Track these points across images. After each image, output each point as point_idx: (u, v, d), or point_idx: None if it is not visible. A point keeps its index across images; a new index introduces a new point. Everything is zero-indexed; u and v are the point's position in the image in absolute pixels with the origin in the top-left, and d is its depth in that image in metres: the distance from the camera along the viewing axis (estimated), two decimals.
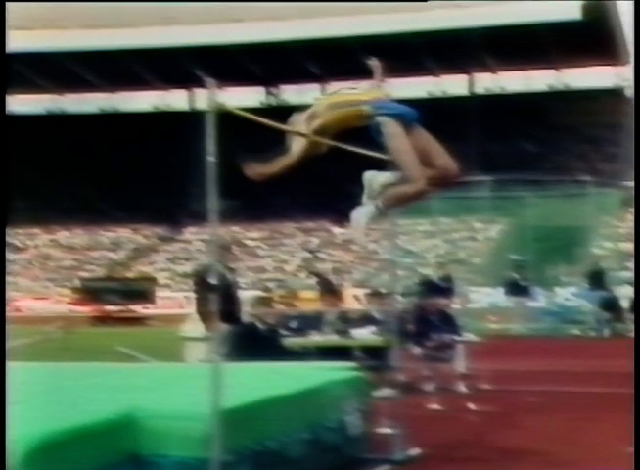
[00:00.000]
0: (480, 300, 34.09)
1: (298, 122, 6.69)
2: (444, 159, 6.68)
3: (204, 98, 5.82)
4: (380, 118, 6.46)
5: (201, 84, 6.06)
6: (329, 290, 19.57)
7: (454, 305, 17.03)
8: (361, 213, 6.58)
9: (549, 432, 9.35)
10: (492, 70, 58.71)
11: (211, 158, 5.71)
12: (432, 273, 25.03)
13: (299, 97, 60.61)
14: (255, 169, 6.50)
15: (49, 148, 56.94)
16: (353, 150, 7.31)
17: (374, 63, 7.02)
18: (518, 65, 56.28)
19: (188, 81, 56.45)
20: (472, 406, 11.09)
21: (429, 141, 6.69)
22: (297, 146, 6.62)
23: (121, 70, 56.91)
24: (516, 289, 26.40)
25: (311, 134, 6.62)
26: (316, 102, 6.83)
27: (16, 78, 58.35)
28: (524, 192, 39.97)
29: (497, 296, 31.32)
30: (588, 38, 49.90)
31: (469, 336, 13.69)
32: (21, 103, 63.19)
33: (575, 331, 23.80)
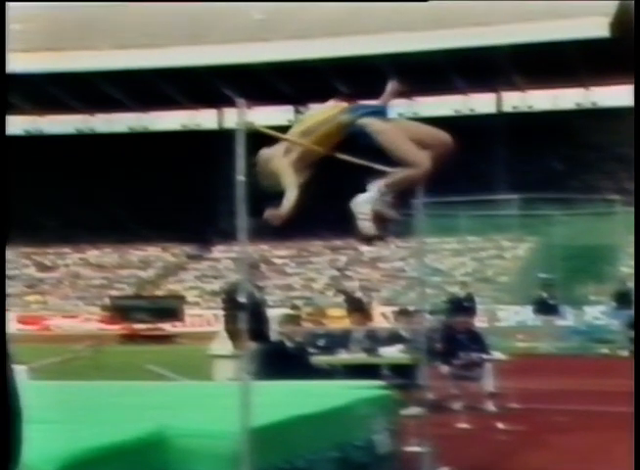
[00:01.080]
0: (509, 318, 33.99)
1: (273, 159, 6.48)
2: (436, 135, 6.57)
3: (233, 117, 5.85)
4: (361, 121, 6.34)
5: (229, 103, 6.10)
6: (358, 308, 19.52)
7: (476, 324, 16.98)
8: (363, 200, 6.46)
9: (578, 451, 9.31)
10: (520, 89, 58.61)
11: (241, 177, 5.74)
12: (458, 291, 25.02)
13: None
14: (275, 214, 6.36)
15: (79, 167, 57.28)
16: (380, 168, 7.30)
17: (393, 84, 6.88)
18: (545, 83, 56.14)
19: (217, 100, 56.71)
20: (500, 425, 11.05)
21: (412, 126, 6.60)
22: (288, 178, 6.45)
23: (151, 89, 57.23)
24: (544, 307, 26.29)
25: (292, 167, 6.47)
26: (287, 136, 6.63)
27: (47, 99, 58.94)
28: (552, 210, 39.82)
29: (525, 314, 31.22)
30: (616, 56, 49.78)
31: (497, 354, 13.65)
32: (52, 123, 63.74)
33: (604, 350, 23.66)
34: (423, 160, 6.29)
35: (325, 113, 6.49)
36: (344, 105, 6.48)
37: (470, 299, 20.80)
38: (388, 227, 6.56)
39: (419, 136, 6.40)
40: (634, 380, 7.39)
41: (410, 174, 6.29)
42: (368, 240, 6.63)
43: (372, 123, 6.28)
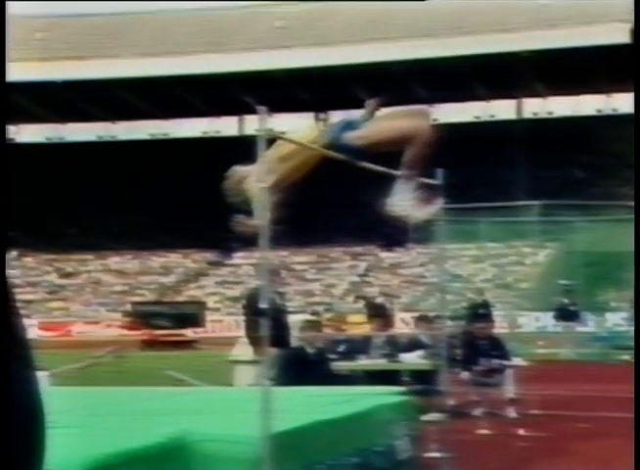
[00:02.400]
0: (529, 324, 33.90)
1: (248, 180, 6.43)
2: (412, 115, 6.51)
3: (253, 124, 5.87)
4: (341, 141, 6.29)
5: (250, 110, 6.13)
6: (379, 314, 19.53)
7: (496, 330, 16.96)
8: (396, 196, 6.40)
9: (599, 458, 9.29)
10: (540, 95, 58.51)
11: (262, 183, 5.77)
12: (474, 298, 24.93)
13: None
14: (245, 224, 6.36)
15: (100, 174, 57.52)
16: (398, 174, 7.31)
17: (372, 102, 6.74)
18: (566, 89, 56.04)
19: (237, 108, 56.86)
20: (521, 432, 11.03)
21: (385, 119, 6.53)
22: (260, 201, 6.40)
23: (171, 97, 57.43)
24: (565, 314, 26.23)
25: (268, 192, 6.42)
26: (262, 160, 6.58)
27: (68, 106, 59.23)
28: (572, 217, 39.70)
29: (546, 320, 31.14)
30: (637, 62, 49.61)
31: (517, 361, 13.63)
32: (74, 131, 64.06)
33: (625, 356, 23.57)
34: (412, 129, 6.25)
35: (303, 137, 6.44)
36: (320, 127, 6.42)
37: (485, 305, 20.75)
38: (433, 208, 6.54)
39: (395, 123, 6.35)
40: (634, 384, 7.38)
41: (414, 147, 6.23)
42: (419, 223, 6.58)
43: (350, 137, 6.25)
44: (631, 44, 47.92)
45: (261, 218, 6.16)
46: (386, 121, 6.36)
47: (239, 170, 6.58)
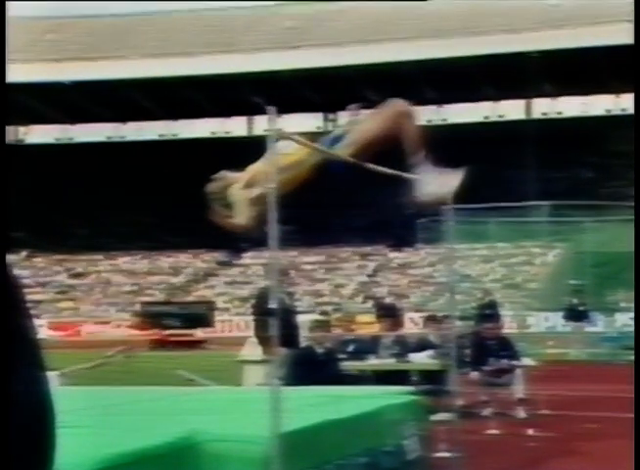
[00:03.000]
0: (538, 324, 33.88)
1: (233, 188, 6.42)
2: (391, 109, 6.46)
3: (262, 125, 5.86)
4: (331, 156, 6.27)
5: (259, 111, 6.13)
6: (389, 314, 19.52)
7: (506, 330, 16.95)
8: (422, 179, 6.35)
9: (608, 458, 9.29)
10: (549, 95, 58.45)
11: (271, 184, 5.78)
12: (481, 298, 24.85)
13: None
14: (223, 216, 6.41)
15: (109, 175, 57.61)
16: (408, 176, 7.32)
17: (352, 107, 6.67)
18: (575, 89, 55.96)
19: (246, 108, 56.88)
20: (530, 432, 11.03)
21: (366, 121, 6.49)
22: (242, 211, 6.40)
23: (181, 97, 57.49)
24: (574, 314, 26.21)
25: (250, 201, 6.42)
26: (250, 169, 6.45)
27: (78, 107, 59.34)
28: (582, 217, 39.66)
29: (555, 320, 31.12)
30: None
31: (527, 361, 13.63)
32: (83, 132, 64.18)
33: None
34: (391, 112, 6.23)
35: (292, 156, 6.41)
36: (310, 146, 6.37)
37: (493, 305, 20.74)
38: (459, 178, 6.51)
39: (381, 126, 6.32)
40: (634, 385, 7.38)
41: (406, 134, 6.19)
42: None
43: (339, 150, 6.24)
44: (631, 45, 47.80)
45: (243, 220, 6.20)
46: (367, 123, 6.34)
47: (227, 176, 6.57)
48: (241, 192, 6.38)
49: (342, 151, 6.22)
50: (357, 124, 6.37)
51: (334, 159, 6.22)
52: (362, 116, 6.45)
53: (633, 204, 25.42)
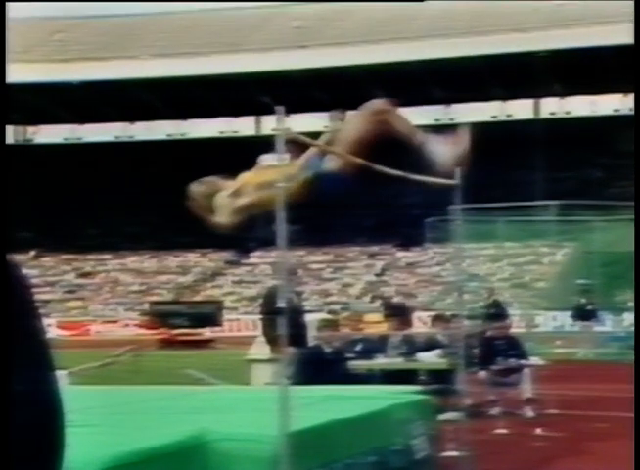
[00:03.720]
0: (546, 324, 33.85)
1: (219, 195, 6.47)
2: (370, 110, 6.45)
3: (270, 124, 5.87)
4: (323, 167, 6.26)
5: (267, 110, 6.14)
6: (397, 314, 19.54)
7: (514, 330, 16.93)
8: (436, 148, 6.36)
9: (616, 458, 9.28)
10: (558, 95, 58.37)
11: (280, 183, 5.79)
12: (486, 298, 24.80)
13: None
14: (199, 204, 6.49)
15: (118, 175, 57.68)
16: (418, 178, 7.33)
17: (333, 114, 6.64)
18: (583, 89, 55.88)
19: (254, 108, 56.89)
20: (538, 431, 11.03)
21: (346, 127, 6.48)
22: (224, 219, 6.43)
23: (189, 97, 57.53)
24: (582, 313, 26.18)
25: (235, 210, 6.47)
26: (240, 178, 6.47)
27: (86, 107, 59.42)
28: (590, 216, 39.62)
29: (563, 320, 31.09)
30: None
31: (535, 360, 13.63)
32: (91, 131, 64.28)
33: None
34: (369, 113, 6.23)
35: (284, 170, 6.40)
36: (300, 161, 6.36)
37: (497, 305, 20.74)
38: (465, 142, 6.52)
39: (363, 128, 6.31)
40: (634, 384, 7.38)
41: (388, 123, 6.20)
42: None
43: (329, 163, 6.24)
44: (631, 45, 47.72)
45: (224, 224, 6.24)
46: (348, 129, 6.33)
47: (212, 182, 6.58)
48: (227, 200, 6.41)
49: (333, 165, 6.22)
50: (339, 131, 6.37)
51: (326, 173, 6.19)
52: (342, 122, 6.45)
53: (634, 204, 25.38)
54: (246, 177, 6.49)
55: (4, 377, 1.89)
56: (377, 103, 6.38)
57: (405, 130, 6.29)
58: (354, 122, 6.36)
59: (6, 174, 2.05)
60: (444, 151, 6.31)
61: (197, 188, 6.64)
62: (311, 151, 6.35)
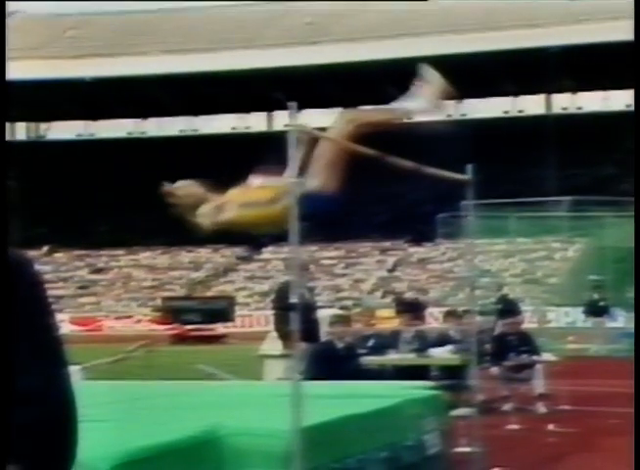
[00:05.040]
0: (558, 320, 33.77)
1: (200, 208, 6.56)
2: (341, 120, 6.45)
3: (282, 120, 5.88)
4: (308, 188, 6.26)
5: (279, 106, 6.14)
6: (410, 309, 19.52)
7: (526, 325, 16.90)
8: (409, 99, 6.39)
9: (629, 454, 9.26)
10: (570, 90, 58.23)
11: (293, 179, 5.80)
12: (495, 293, 24.73)
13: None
14: (174, 193, 6.55)
15: (130, 170, 57.76)
16: (429, 171, 7.32)
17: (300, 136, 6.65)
18: (595, 84, 55.74)
19: (266, 104, 56.92)
20: (551, 427, 11.02)
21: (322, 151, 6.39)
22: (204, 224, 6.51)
23: (201, 93, 57.58)
24: (595, 309, 26.12)
25: (217, 225, 6.47)
26: (226, 194, 6.53)
27: (98, 103, 59.53)
28: (602, 212, 39.51)
29: (575, 316, 31.02)
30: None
31: (547, 356, 13.61)
32: (104, 128, 64.38)
33: None
34: (341, 124, 6.24)
35: (263, 196, 6.41)
36: (283, 184, 6.36)
37: (504, 300, 20.72)
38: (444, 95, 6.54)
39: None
40: (634, 381, 7.37)
41: (365, 125, 6.22)
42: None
43: (312, 183, 6.24)
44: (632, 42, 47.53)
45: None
46: (325, 147, 6.31)
47: (194, 189, 6.69)
48: (210, 213, 6.46)
49: (317, 186, 6.21)
50: (313, 153, 6.36)
51: (311, 193, 6.16)
52: (310, 142, 6.41)
53: (634, 204, 25.32)
54: (231, 194, 6.51)
55: (5, 376, 1.90)
56: (345, 114, 6.40)
57: (380, 120, 6.31)
58: (332, 138, 6.33)
59: (5, 172, 2.06)
60: (424, 102, 6.31)
61: (176, 191, 6.68)
62: (293, 173, 6.36)
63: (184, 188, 6.66)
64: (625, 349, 24.05)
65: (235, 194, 6.49)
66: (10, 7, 58.58)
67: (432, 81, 6.44)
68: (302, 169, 6.23)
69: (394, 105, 6.39)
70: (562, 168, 49.46)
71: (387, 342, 13.86)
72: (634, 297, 22.42)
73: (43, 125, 66.16)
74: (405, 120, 6.45)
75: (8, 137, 61.62)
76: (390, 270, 49.75)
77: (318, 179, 6.18)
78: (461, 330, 12.61)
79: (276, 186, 6.31)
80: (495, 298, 21.77)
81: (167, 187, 6.70)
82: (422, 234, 48.13)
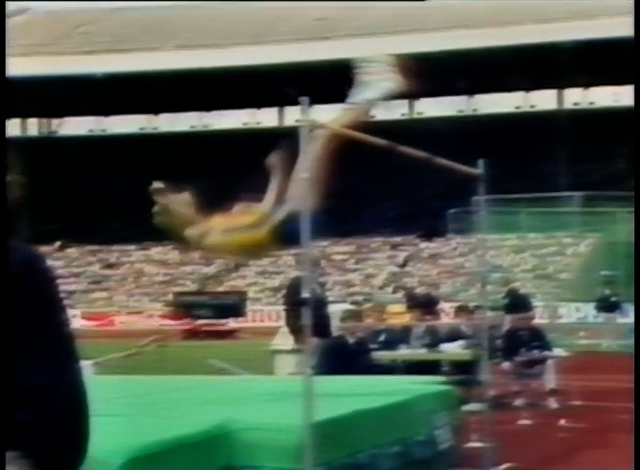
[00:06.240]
0: (569, 315, 33.73)
1: (187, 236, 6.63)
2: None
3: (293, 115, 5.89)
4: (286, 216, 6.31)
5: (290, 102, 6.15)
6: (425, 305, 19.53)
7: (537, 320, 16.89)
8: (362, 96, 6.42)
9: (630, 451, 9.25)
10: (581, 85, 58.07)
11: (304, 174, 5.80)
12: (502, 288, 24.69)
13: (387, 113, 60.68)
14: (162, 192, 6.57)
15: (142, 166, 57.82)
16: (441, 162, 7.31)
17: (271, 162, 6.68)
18: (607, 79, 55.57)
19: (278, 99, 56.90)
20: (562, 422, 11.02)
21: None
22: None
23: (212, 89, 57.58)
24: (606, 305, 26.08)
25: (204, 249, 6.52)
26: (210, 220, 6.59)
27: (111, 99, 59.60)
28: (614, 207, 39.43)
29: (586, 311, 30.97)
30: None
31: (558, 351, 13.60)
32: (116, 123, 64.44)
33: None
34: (320, 144, 6.24)
35: (249, 217, 6.42)
36: (264, 209, 6.37)
37: (513, 295, 20.70)
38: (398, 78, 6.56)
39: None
40: (634, 378, 7.36)
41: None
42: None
43: (290, 208, 6.25)
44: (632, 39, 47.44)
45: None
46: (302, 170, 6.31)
47: (183, 207, 6.76)
48: (195, 238, 6.55)
49: (293, 204, 6.21)
50: (290, 177, 6.37)
51: (291, 215, 6.19)
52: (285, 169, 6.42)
53: (634, 203, 25.32)
54: (214, 221, 6.56)
55: (4, 375, 1.91)
56: (323, 132, 6.39)
57: (354, 119, 6.33)
58: (317, 149, 6.32)
59: (5, 169, 2.07)
60: (378, 92, 6.39)
61: (168, 203, 6.68)
62: (273, 196, 6.38)
63: (176, 203, 6.66)
64: None
65: (217, 220, 6.53)
66: (21, 4, 58.86)
67: (384, 72, 6.49)
68: (280, 196, 6.28)
69: (353, 100, 6.40)
70: (573, 164, 49.32)
71: (398, 337, 13.87)
72: (634, 293, 22.37)
73: (55, 121, 66.25)
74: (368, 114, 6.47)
75: (20, 133, 61.80)
76: (402, 266, 49.72)
77: (299, 200, 6.21)
78: (472, 325, 12.61)
79: (257, 211, 6.35)
80: (503, 293, 21.76)
81: (161, 196, 6.69)
82: (433, 229, 48.08)
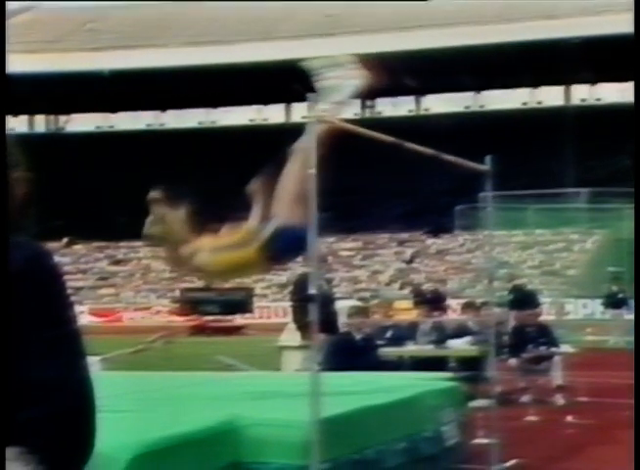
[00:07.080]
0: (576, 311, 33.69)
1: (175, 257, 6.63)
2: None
3: (300, 111, 5.90)
4: (276, 231, 6.33)
5: (297, 98, 6.17)
6: (433, 301, 19.54)
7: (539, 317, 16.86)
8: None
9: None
10: (588, 81, 57.98)
11: (311, 170, 5.80)
12: (507, 284, 24.64)
13: (394, 109, 60.67)
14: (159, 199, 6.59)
15: (149, 162, 57.88)
16: (447, 158, 7.30)
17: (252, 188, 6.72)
18: (614, 76, 55.48)
19: (284, 95, 56.89)
20: (569, 419, 11.01)
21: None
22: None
23: (219, 85, 57.59)
24: (613, 301, 26.04)
25: (196, 269, 6.55)
26: (200, 241, 6.61)
27: (118, 96, 59.64)
28: (621, 204, 39.36)
29: (593, 307, 30.93)
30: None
31: (565, 348, 13.59)
32: (123, 120, 64.52)
33: None
34: (300, 157, 6.24)
35: (235, 236, 6.44)
36: (250, 228, 6.38)
37: (518, 291, 20.69)
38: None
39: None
40: (634, 376, 7.36)
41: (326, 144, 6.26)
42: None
43: (276, 224, 6.27)
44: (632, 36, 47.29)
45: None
46: (289, 183, 6.31)
47: (177, 225, 6.72)
48: (185, 259, 6.55)
49: (279, 220, 6.22)
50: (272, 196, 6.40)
51: (279, 231, 6.25)
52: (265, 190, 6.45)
53: (634, 203, 25.24)
54: (201, 241, 6.58)
55: (3, 374, 1.92)
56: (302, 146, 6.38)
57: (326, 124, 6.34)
58: (293, 171, 6.35)
59: (5, 167, 2.08)
60: (342, 95, 6.44)
61: (163, 221, 6.68)
62: (258, 215, 6.40)
63: (171, 218, 6.66)
64: None
65: (205, 241, 6.55)
66: (25, 3, 58.87)
67: (347, 73, 6.52)
68: (265, 214, 6.31)
69: (321, 105, 6.39)
70: (580, 160, 49.26)
71: (405, 333, 13.88)
72: (634, 292, 22.34)
73: (62, 118, 66.34)
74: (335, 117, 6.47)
75: (27, 130, 61.89)
76: (408, 262, 49.71)
77: (284, 217, 6.23)
78: (479, 322, 12.61)
79: (243, 230, 6.38)
80: (508, 289, 21.74)
81: (157, 207, 6.69)
82: (440, 226, 48.06)
